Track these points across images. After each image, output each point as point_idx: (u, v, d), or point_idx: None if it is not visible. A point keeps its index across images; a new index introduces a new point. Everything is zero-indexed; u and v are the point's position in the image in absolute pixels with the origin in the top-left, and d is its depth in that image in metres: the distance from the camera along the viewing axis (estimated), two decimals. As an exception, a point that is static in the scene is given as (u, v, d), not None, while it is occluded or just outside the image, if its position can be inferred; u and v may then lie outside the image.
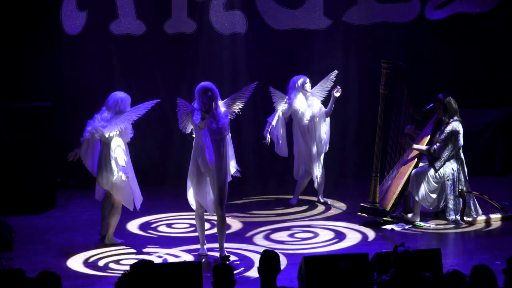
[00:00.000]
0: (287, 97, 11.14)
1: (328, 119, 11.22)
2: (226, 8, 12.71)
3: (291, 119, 11.28)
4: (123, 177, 9.47)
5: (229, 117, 9.07)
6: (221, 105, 9.02)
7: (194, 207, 9.24)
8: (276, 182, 12.69)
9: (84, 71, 12.65)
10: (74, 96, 12.69)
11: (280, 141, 11.16)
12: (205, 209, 9.17)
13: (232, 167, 9.13)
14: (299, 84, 11.07)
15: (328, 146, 11.26)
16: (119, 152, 9.50)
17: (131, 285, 5.95)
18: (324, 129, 11.20)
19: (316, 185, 11.33)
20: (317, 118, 11.15)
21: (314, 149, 11.15)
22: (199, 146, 8.90)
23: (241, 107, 9.19)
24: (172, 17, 12.69)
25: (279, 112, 11.12)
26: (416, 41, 13.02)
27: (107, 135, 9.49)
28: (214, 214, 9.15)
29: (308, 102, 11.13)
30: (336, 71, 11.23)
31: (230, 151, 9.09)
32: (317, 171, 11.21)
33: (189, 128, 9.02)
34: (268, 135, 11.06)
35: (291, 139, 11.36)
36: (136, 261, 6.46)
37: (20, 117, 11.44)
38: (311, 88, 11.19)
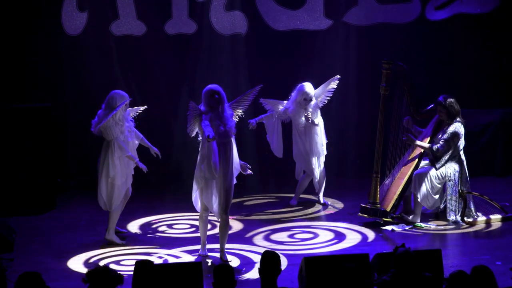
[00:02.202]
0: (285, 101, 11.08)
1: (321, 125, 11.17)
2: (226, 9, 12.70)
3: (290, 119, 11.25)
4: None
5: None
6: (227, 108, 9.01)
7: (199, 209, 9.22)
8: (277, 182, 12.68)
9: (84, 71, 12.63)
10: (74, 96, 12.68)
11: (270, 140, 11.14)
12: (210, 212, 9.15)
13: (235, 169, 9.11)
14: (301, 96, 10.91)
15: (325, 149, 11.24)
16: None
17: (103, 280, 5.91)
18: (320, 131, 11.16)
19: (316, 186, 11.32)
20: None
21: (313, 150, 11.12)
22: (204, 152, 8.88)
23: (244, 110, 9.19)
24: (172, 17, 12.67)
25: (274, 114, 11.08)
26: (417, 42, 13.01)
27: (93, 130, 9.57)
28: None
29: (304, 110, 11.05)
30: (338, 76, 11.19)
31: (235, 153, 9.07)
32: (317, 172, 11.20)
33: (195, 131, 9.01)
34: (255, 124, 10.99)
35: (290, 140, 11.33)
36: (139, 259, 6.47)
37: (20, 117, 11.44)
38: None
